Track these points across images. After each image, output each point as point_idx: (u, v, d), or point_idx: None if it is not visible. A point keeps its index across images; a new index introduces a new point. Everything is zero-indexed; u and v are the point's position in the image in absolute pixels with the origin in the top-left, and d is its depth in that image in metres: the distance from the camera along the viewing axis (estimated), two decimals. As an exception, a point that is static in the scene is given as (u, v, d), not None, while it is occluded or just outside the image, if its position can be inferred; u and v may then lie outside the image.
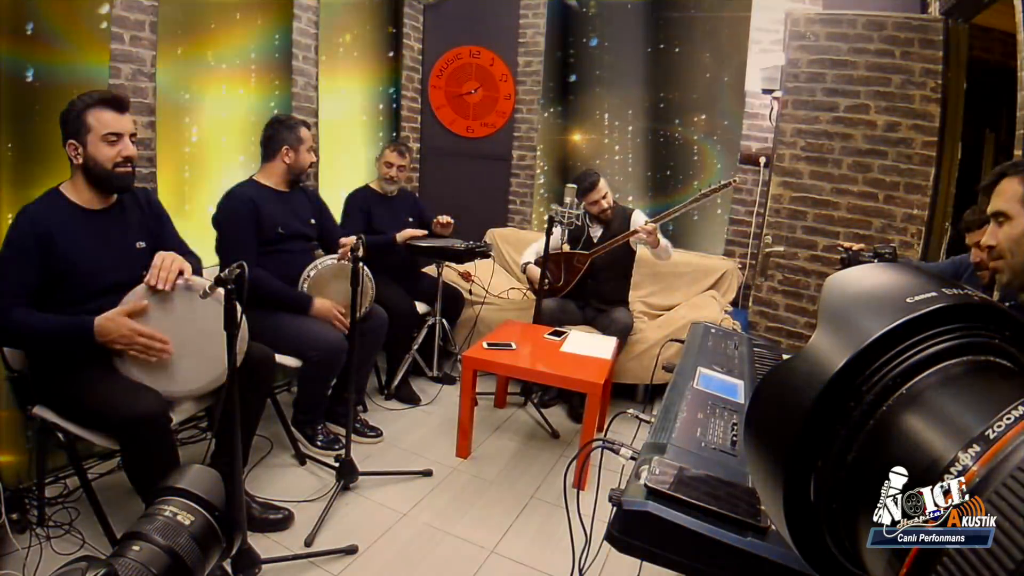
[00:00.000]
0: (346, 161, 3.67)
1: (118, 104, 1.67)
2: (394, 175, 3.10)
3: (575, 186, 2.84)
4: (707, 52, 3.71)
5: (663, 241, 2.92)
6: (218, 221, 2.33)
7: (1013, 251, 1.05)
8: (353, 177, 3.64)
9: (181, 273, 1.67)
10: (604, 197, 3.01)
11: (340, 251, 2.41)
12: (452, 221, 3.15)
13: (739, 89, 3.51)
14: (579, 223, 2.86)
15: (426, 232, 3.10)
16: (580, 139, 4.15)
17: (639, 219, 3.03)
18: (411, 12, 4.04)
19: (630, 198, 3.95)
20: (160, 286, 1.63)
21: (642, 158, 3.96)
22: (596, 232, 3.10)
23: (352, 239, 2.36)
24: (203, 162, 2.71)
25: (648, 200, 3.95)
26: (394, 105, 4.06)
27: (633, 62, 3.87)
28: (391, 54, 3.97)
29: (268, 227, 2.33)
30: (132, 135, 1.70)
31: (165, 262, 1.66)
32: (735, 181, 2.94)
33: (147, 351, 1.63)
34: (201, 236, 2.31)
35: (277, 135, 2.40)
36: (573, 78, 4.08)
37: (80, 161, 1.65)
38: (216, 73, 2.70)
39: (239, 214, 2.28)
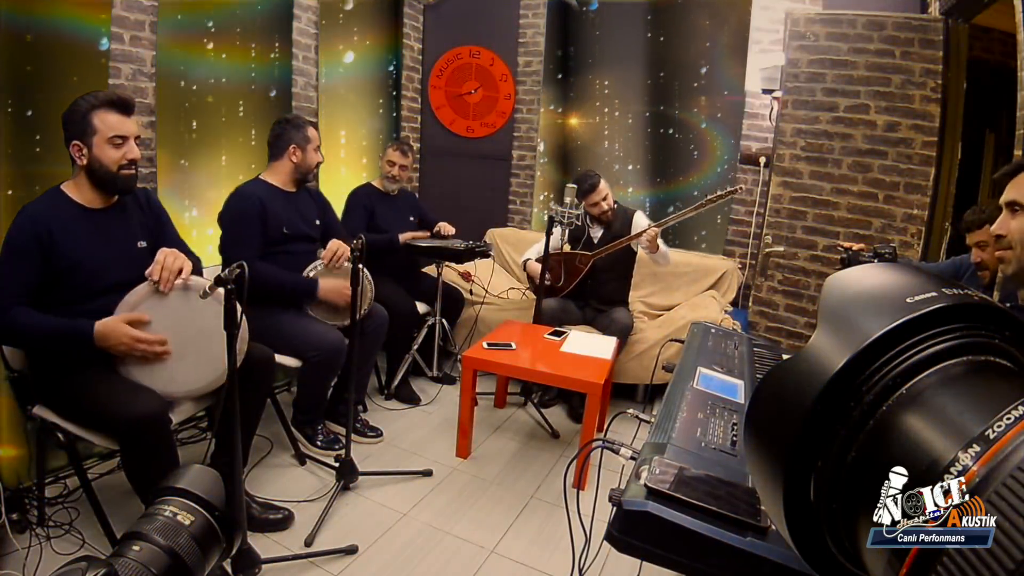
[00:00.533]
0: (346, 134, 3.67)
1: (124, 106, 1.67)
2: (396, 174, 3.11)
3: (575, 186, 2.83)
4: (706, 19, 3.68)
5: (663, 247, 2.90)
6: (224, 219, 2.33)
7: (1023, 242, 1.06)
8: (353, 148, 3.65)
9: (181, 271, 1.68)
10: (604, 199, 2.99)
11: (325, 256, 2.38)
12: (454, 231, 3.19)
13: (741, 50, 3.46)
14: (579, 223, 2.86)
15: (429, 233, 3.12)
16: (577, 122, 4.14)
17: (641, 221, 3.02)
18: (411, 12, 4.04)
19: (630, 167, 3.92)
20: (161, 287, 1.64)
21: (641, 137, 3.93)
22: (596, 233, 3.09)
23: (337, 243, 2.36)
24: (201, 125, 2.71)
25: (649, 187, 3.93)
26: (392, 70, 4.02)
27: (631, 32, 3.83)
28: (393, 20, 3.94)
29: (273, 227, 2.33)
30: (137, 138, 1.70)
31: (167, 260, 1.67)
32: (741, 188, 2.92)
33: (148, 355, 1.65)
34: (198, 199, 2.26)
35: (285, 134, 2.41)
36: (571, 50, 4.06)
37: (85, 162, 1.65)
38: (213, 38, 2.69)
39: (246, 213, 2.28)
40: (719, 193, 2.75)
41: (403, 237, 2.99)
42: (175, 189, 2.62)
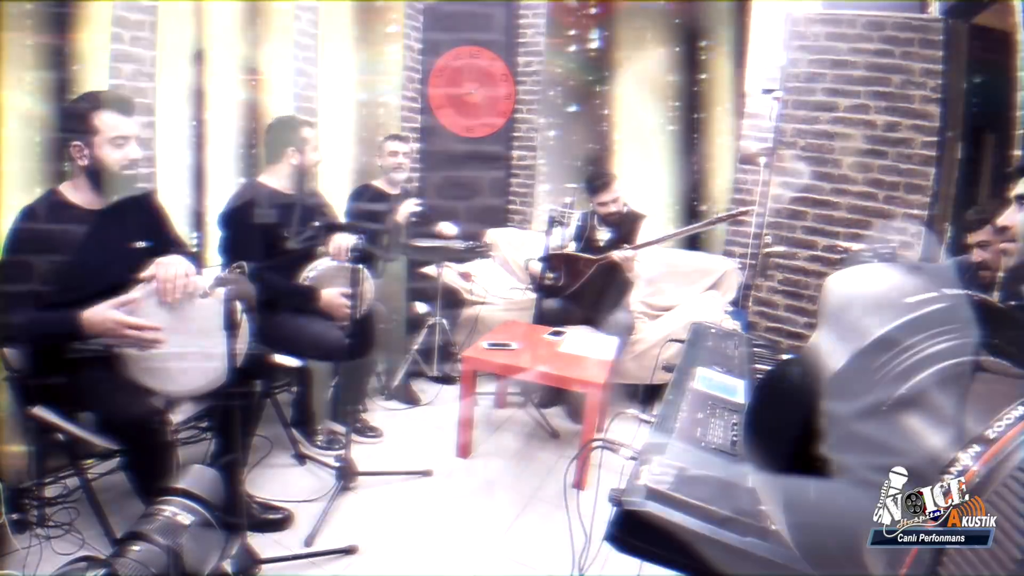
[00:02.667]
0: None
1: (125, 107, 1.66)
2: (400, 162, 3.07)
3: (578, 186, 2.82)
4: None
5: (638, 271, 2.84)
6: (225, 223, 2.32)
7: None
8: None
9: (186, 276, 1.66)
10: (615, 200, 2.93)
11: (332, 251, 2.37)
12: (455, 231, 3.16)
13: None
14: (581, 223, 2.84)
15: (420, 203, 3.07)
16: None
17: (646, 232, 2.94)
18: (411, 12, 4.03)
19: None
20: (170, 299, 1.61)
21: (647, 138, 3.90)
22: (604, 236, 3.05)
23: (347, 241, 2.35)
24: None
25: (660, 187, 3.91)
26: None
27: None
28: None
29: (274, 230, 2.33)
30: (137, 138, 1.70)
31: (168, 273, 1.62)
32: (747, 211, 2.84)
33: (139, 342, 1.58)
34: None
35: (281, 137, 2.39)
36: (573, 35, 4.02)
37: (85, 163, 1.64)
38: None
39: (248, 217, 2.27)
40: (719, 216, 2.75)
41: (400, 215, 2.95)
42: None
